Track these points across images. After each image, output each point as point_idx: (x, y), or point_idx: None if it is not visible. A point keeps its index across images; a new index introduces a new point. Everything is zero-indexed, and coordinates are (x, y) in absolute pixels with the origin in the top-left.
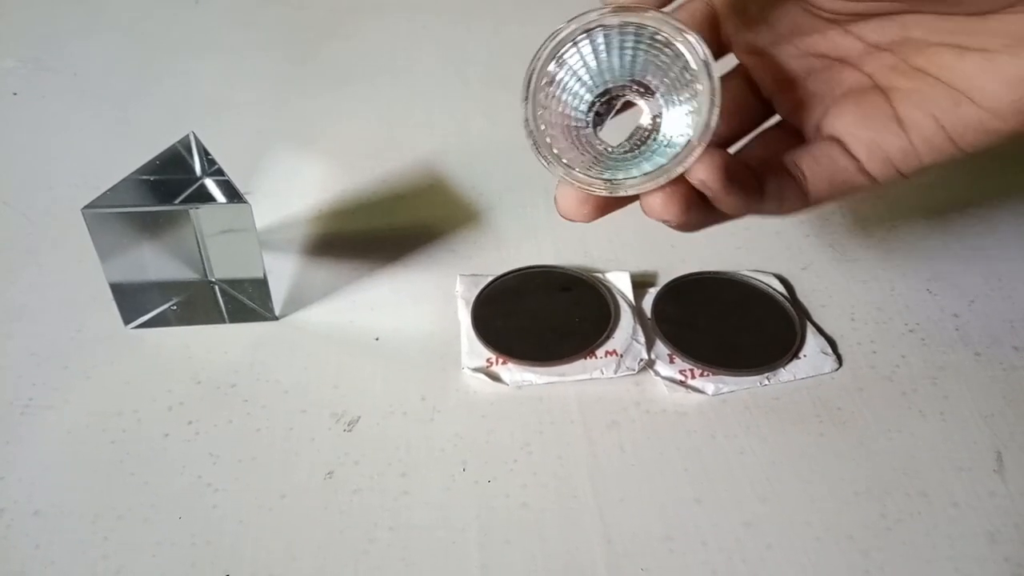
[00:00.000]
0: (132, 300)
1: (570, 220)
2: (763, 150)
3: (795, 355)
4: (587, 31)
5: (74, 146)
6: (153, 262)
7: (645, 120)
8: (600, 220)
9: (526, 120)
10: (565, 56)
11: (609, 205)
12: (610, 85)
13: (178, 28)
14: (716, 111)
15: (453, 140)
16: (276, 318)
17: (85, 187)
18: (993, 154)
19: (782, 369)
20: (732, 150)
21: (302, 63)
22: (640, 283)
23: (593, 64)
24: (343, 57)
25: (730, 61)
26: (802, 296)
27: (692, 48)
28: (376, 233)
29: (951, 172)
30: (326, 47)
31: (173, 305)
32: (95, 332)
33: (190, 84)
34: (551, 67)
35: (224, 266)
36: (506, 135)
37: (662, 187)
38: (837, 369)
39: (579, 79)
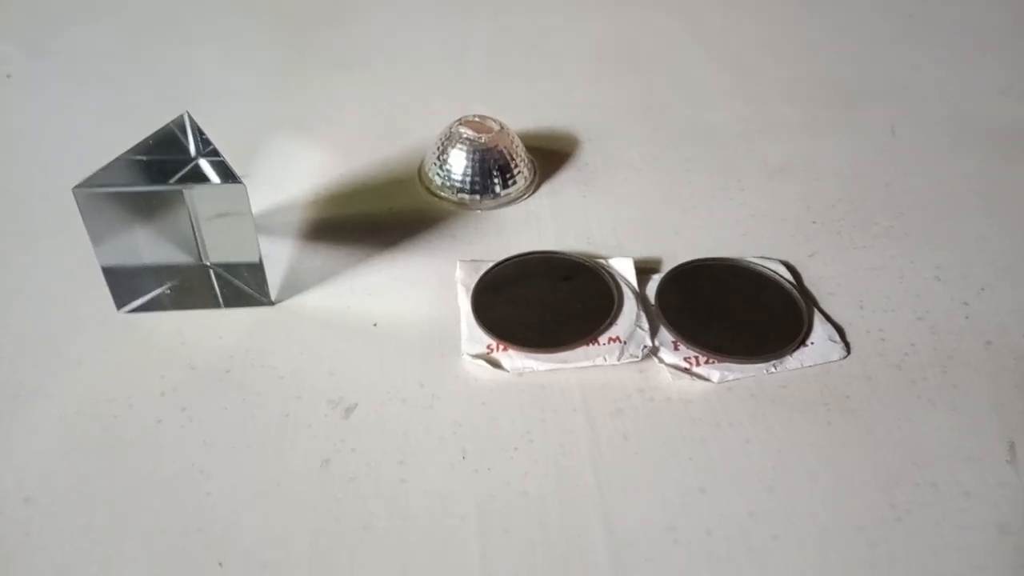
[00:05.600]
0: (125, 284)
1: None
2: None
3: (802, 342)
4: None
5: (69, 130)
6: (146, 245)
7: None
8: (603, 206)
9: None
10: None
11: None
12: None
13: (176, 13)
14: None
15: None
16: (272, 303)
17: (80, 170)
18: (1002, 140)
19: (789, 356)
20: None
21: (301, 48)
22: (644, 269)
23: None
24: (342, 43)
25: None
26: (809, 283)
27: None
28: (375, 218)
29: (960, 157)
30: (325, 33)
31: (167, 289)
32: (87, 317)
33: (188, 69)
34: None
35: (219, 250)
36: (507, 119)
37: None
38: (845, 357)
39: None
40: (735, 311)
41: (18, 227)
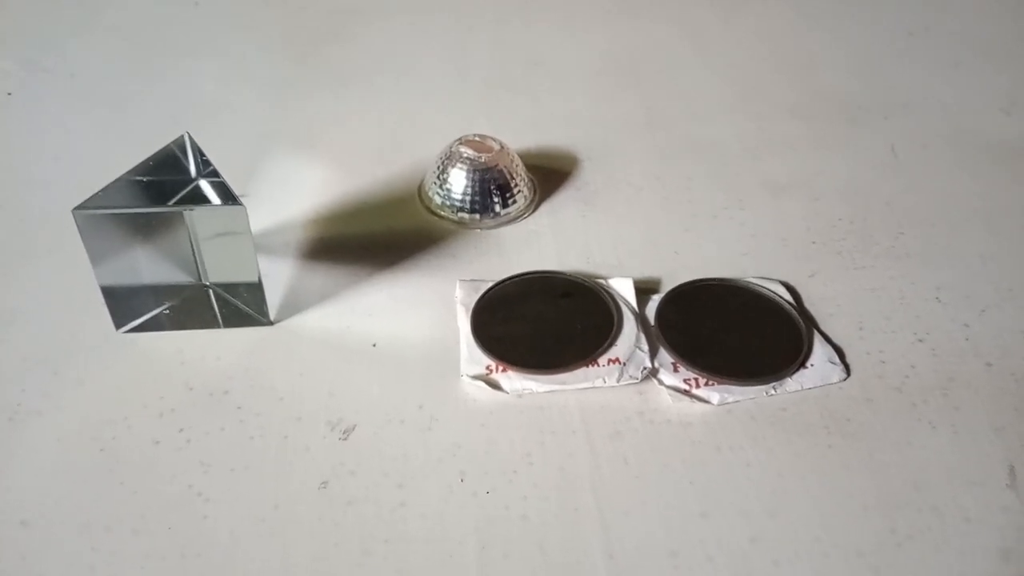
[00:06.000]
0: (124, 304)
1: None
2: None
3: (802, 364)
4: None
5: (69, 148)
6: (146, 265)
7: None
8: (603, 225)
9: None
10: None
11: None
12: None
13: (177, 30)
14: None
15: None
16: (271, 323)
17: (79, 189)
18: (1004, 158)
19: (789, 379)
20: None
21: (302, 65)
22: (643, 289)
23: None
24: (343, 59)
25: None
26: (809, 304)
27: None
28: (374, 237)
29: (961, 176)
30: (326, 49)
31: (166, 309)
32: (86, 337)
33: (188, 86)
34: None
35: (219, 270)
36: (508, 137)
37: None
38: (845, 379)
39: None
40: (735, 332)
41: (17, 246)
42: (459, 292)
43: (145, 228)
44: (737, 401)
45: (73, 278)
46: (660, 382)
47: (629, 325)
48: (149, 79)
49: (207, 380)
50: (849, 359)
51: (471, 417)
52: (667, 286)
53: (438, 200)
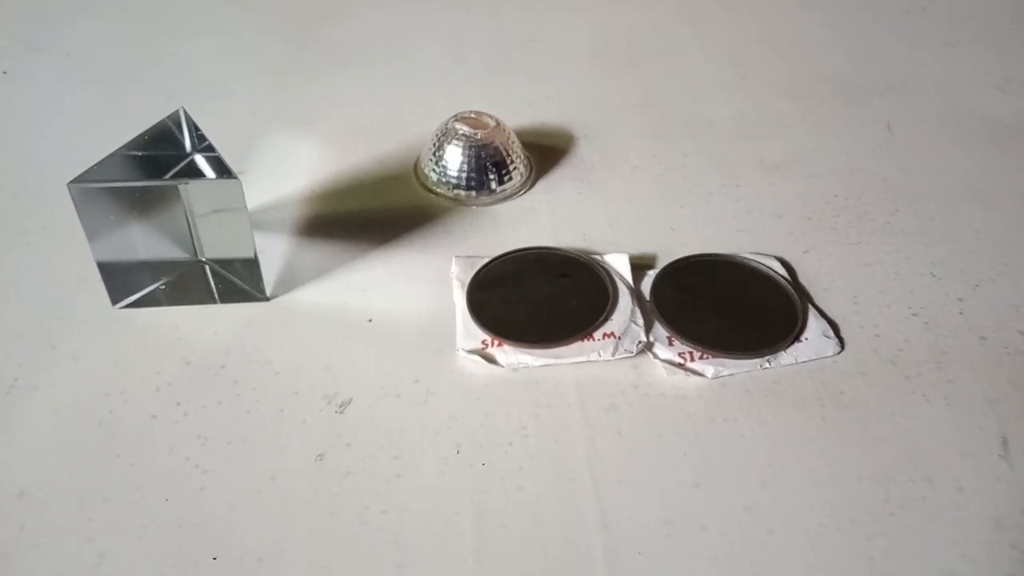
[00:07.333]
0: (120, 279)
1: None
2: None
3: (796, 338)
4: None
5: (65, 126)
6: (142, 240)
7: None
8: (599, 202)
9: None
10: None
11: None
12: None
13: (173, 8)
14: None
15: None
16: (267, 299)
17: (75, 166)
18: (999, 136)
19: (783, 352)
20: None
21: (299, 45)
22: (639, 265)
23: None
24: (340, 39)
25: None
26: (804, 279)
27: None
28: (370, 214)
29: (956, 153)
30: (323, 29)
31: (162, 285)
32: (82, 312)
33: (184, 65)
34: None
35: (215, 245)
36: (504, 116)
37: None
38: (839, 352)
39: None
40: (730, 307)
41: (13, 222)
42: (455, 268)
43: (141, 203)
44: (732, 374)
45: (69, 254)
46: (655, 356)
47: (624, 300)
48: (145, 58)
49: (204, 355)
50: (844, 333)
51: (467, 391)
52: (663, 262)
53: (434, 177)
